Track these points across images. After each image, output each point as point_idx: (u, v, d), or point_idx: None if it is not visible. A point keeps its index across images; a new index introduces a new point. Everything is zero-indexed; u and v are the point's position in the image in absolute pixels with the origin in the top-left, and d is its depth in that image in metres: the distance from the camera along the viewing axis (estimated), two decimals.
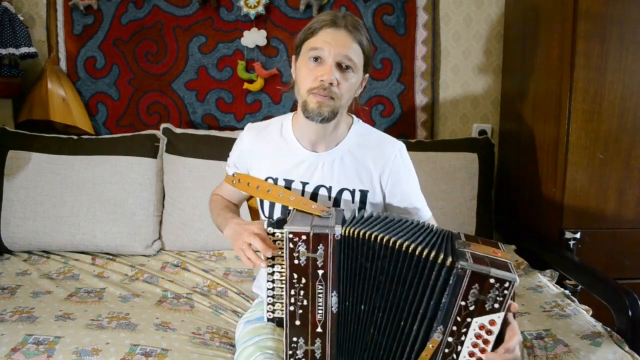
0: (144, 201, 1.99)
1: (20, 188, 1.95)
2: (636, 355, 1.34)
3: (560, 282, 1.78)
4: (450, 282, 0.97)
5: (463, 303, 0.96)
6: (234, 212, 1.39)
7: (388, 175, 1.30)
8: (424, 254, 0.99)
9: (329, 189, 1.28)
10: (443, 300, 0.98)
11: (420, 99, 2.32)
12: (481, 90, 2.36)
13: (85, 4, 2.17)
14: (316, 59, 1.19)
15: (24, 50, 2.01)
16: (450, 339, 0.98)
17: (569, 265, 1.77)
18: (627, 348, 1.36)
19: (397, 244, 1.01)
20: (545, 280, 1.78)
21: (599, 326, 1.45)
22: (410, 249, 1.00)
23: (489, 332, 0.96)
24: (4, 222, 1.93)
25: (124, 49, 2.24)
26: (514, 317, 1.02)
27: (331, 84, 1.17)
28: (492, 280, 0.94)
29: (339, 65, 1.19)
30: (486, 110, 2.38)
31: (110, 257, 1.95)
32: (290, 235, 1.02)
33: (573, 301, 1.62)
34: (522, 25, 2.14)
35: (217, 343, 1.41)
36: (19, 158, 1.98)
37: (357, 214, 1.13)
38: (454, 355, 0.99)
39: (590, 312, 1.56)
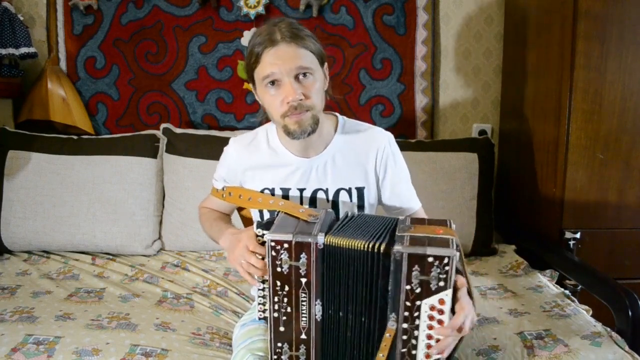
0: (144, 201, 1.99)
1: (20, 188, 1.95)
2: (636, 355, 1.34)
3: (560, 282, 1.78)
4: (391, 268, 0.97)
5: (408, 287, 0.95)
6: (227, 222, 1.39)
7: (380, 165, 1.31)
8: (366, 247, 0.99)
9: (326, 191, 1.28)
10: (389, 287, 0.98)
11: (420, 99, 2.32)
12: (481, 90, 2.36)
13: (85, 4, 2.17)
14: (273, 82, 1.16)
15: (24, 50, 2.01)
16: (405, 325, 0.98)
17: (569, 265, 1.77)
18: (627, 348, 1.36)
19: (351, 244, 1.01)
20: (545, 280, 1.78)
21: (599, 326, 1.45)
22: (358, 246, 1.00)
23: (441, 312, 0.95)
24: (4, 222, 1.93)
25: (124, 49, 2.24)
26: (470, 294, 1.01)
27: (300, 100, 1.15)
28: (430, 259, 0.93)
29: (296, 78, 1.15)
30: (486, 110, 2.38)
31: (110, 257, 1.95)
32: (272, 243, 1.02)
33: (573, 301, 1.62)
34: (522, 25, 2.14)
35: (217, 343, 1.41)
36: (19, 158, 1.98)
37: (347, 216, 1.13)
38: (413, 341, 0.98)
39: (590, 312, 1.56)
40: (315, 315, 1.05)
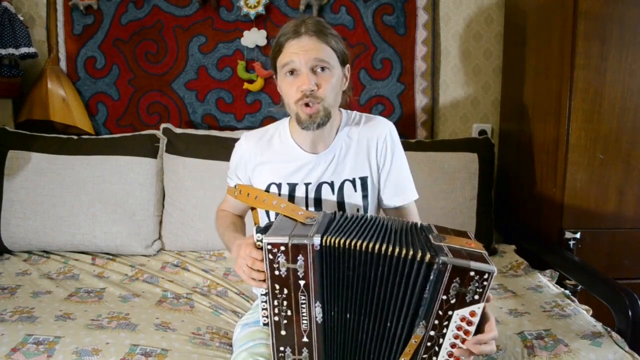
0: (144, 201, 1.99)
1: (20, 188, 1.95)
2: (636, 355, 1.34)
3: (560, 282, 1.78)
4: (431, 277, 0.97)
5: (445, 297, 0.97)
6: (238, 228, 1.40)
7: (381, 153, 1.34)
8: (403, 254, 0.99)
9: (331, 184, 1.30)
10: (425, 295, 0.99)
11: (420, 99, 2.32)
12: (481, 90, 2.36)
13: (85, 4, 2.17)
14: (291, 72, 1.22)
15: (24, 50, 2.01)
16: (432, 333, 0.99)
17: (569, 265, 1.77)
18: (627, 348, 1.36)
19: (377, 248, 1.00)
20: (545, 280, 1.78)
21: (599, 326, 1.45)
22: (390, 251, 1.00)
23: (470, 323, 0.97)
24: (4, 222, 1.93)
25: (124, 49, 2.24)
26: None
27: (313, 90, 1.20)
28: (472, 273, 0.95)
29: (313, 70, 1.21)
30: (486, 110, 2.38)
31: (110, 257, 1.95)
32: (269, 247, 1.01)
33: (573, 301, 1.62)
34: (522, 25, 2.14)
35: (217, 343, 1.41)
36: (19, 158, 1.98)
37: (343, 216, 1.13)
38: (436, 348, 1.00)
39: (590, 312, 1.56)
40: (316, 317, 1.05)
